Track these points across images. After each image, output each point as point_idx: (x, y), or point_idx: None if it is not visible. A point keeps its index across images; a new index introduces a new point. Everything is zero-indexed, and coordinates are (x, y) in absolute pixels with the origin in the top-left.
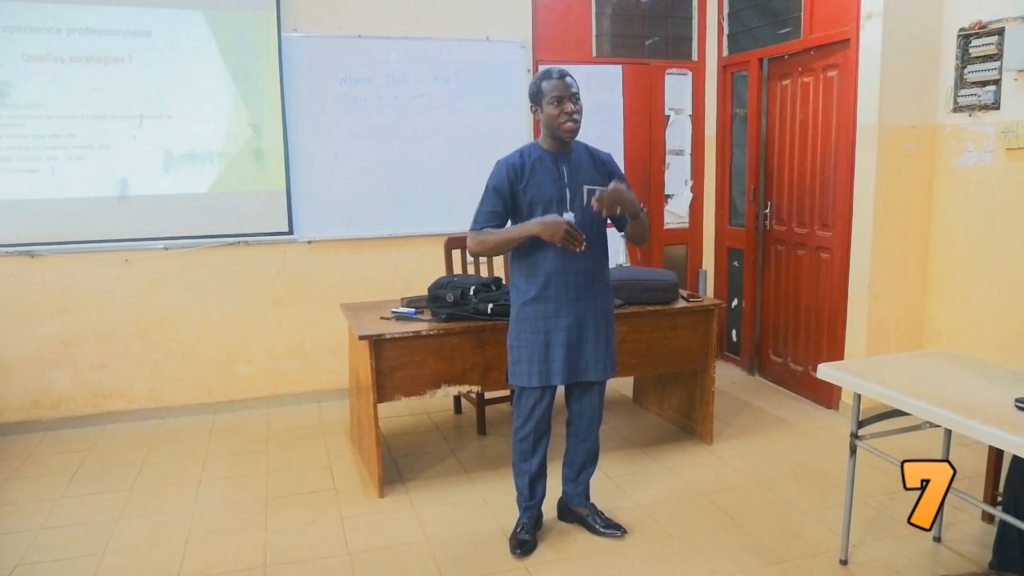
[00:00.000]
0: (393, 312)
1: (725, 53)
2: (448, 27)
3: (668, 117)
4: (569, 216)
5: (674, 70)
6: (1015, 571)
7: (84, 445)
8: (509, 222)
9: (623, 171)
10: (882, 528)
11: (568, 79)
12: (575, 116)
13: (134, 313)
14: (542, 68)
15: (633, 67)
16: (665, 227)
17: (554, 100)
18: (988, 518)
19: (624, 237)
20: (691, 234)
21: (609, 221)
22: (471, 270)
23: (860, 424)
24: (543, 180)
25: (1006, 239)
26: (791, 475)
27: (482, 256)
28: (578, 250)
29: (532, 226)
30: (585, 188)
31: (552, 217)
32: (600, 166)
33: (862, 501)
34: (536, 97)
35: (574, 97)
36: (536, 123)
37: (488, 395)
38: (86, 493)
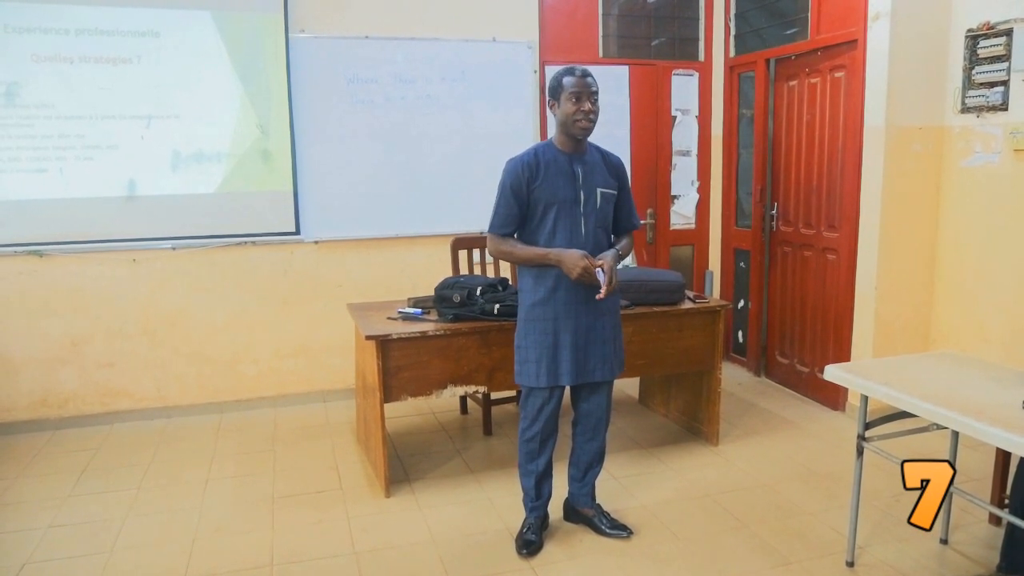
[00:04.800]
0: (400, 312)
1: (732, 54)
2: (455, 28)
3: (675, 118)
4: (601, 276)
5: (681, 71)
6: (1022, 574)
7: (92, 444)
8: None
9: (629, 177)
10: (889, 530)
11: (590, 79)
12: (591, 116)
13: (142, 312)
14: (565, 65)
15: (640, 68)
16: (671, 228)
17: (573, 96)
18: (995, 520)
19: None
20: (697, 235)
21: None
22: (478, 270)
23: (867, 426)
24: (557, 181)
25: (1014, 240)
26: (797, 476)
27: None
28: (598, 296)
29: (553, 257)
30: (599, 191)
31: (572, 253)
32: (612, 169)
33: (869, 503)
34: (555, 92)
35: (593, 97)
36: (544, 123)
37: (494, 395)
38: (94, 492)
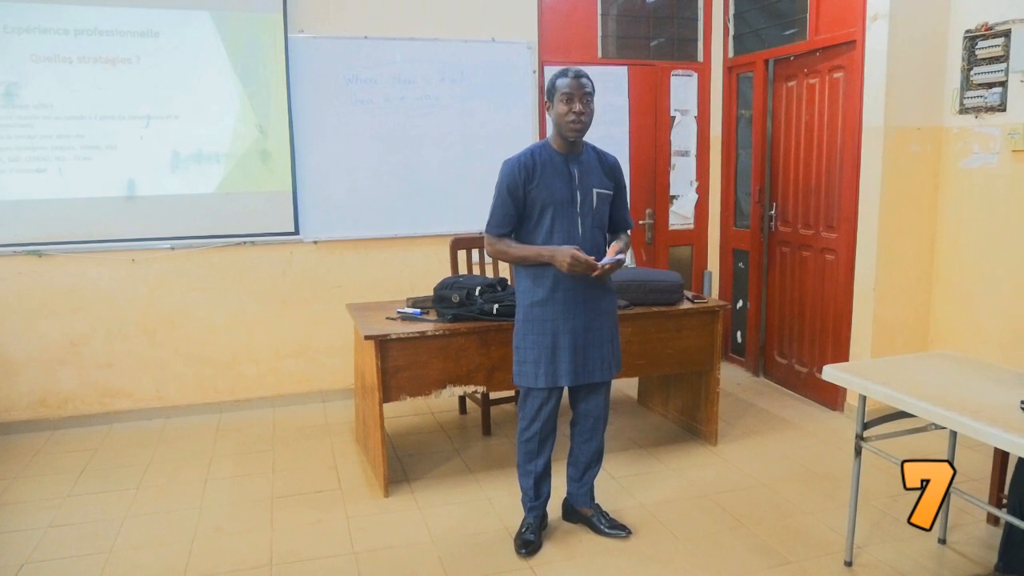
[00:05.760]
0: (399, 312)
1: (731, 54)
2: (454, 28)
3: (673, 118)
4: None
5: (680, 71)
6: (1020, 574)
7: (91, 444)
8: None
9: (626, 177)
10: (887, 530)
11: (583, 80)
12: (582, 117)
13: (141, 313)
14: (562, 66)
15: (639, 68)
16: (670, 228)
17: (564, 97)
18: (993, 520)
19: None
20: (696, 235)
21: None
22: (477, 270)
23: (865, 426)
24: (553, 181)
25: (1012, 241)
26: (796, 476)
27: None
28: (592, 274)
29: (546, 254)
30: (595, 191)
31: (563, 247)
32: (607, 170)
33: (867, 503)
34: (550, 93)
35: (585, 98)
36: (543, 123)
37: (493, 395)
38: (93, 492)
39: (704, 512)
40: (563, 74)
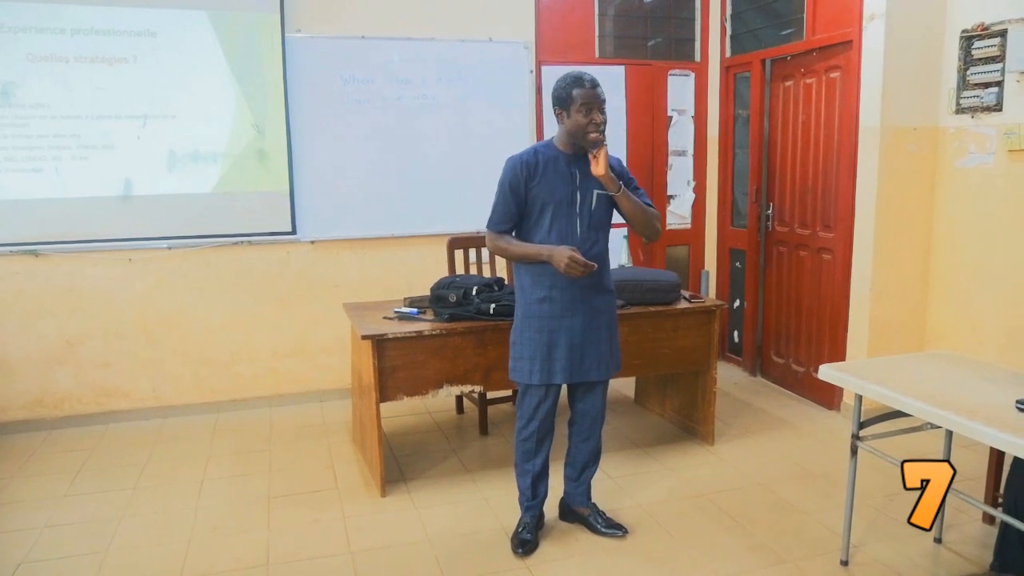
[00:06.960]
0: (396, 312)
1: (728, 54)
2: (451, 28)
3: (671, 118)
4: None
5: (677, 71)
6: (1016, 573)
7: (87, 444)
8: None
9: (630, 174)
10: (883, 529)
11: (599, 89)
12: (601, 127)
13: (138, 313)
14: (572, 72)
15: (636, 68)
16: (667, 228)
17: (583, 108)
18: (989, 519)
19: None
20: (693, 235)
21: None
22: (474, 270)
23: (861, 425)
24: (555, 180)
25: (1008, 241)
26: (792, 476)
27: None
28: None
29: (545, 253)
30: (595, 192)
31: (561, 248)
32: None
33: (863, 502)
34: (564, 102)
35: (602, 107)
36: (540, 122)
37: (490, 395)
38: (89, 492)
39: (701, 511)
40: (578, 83)
